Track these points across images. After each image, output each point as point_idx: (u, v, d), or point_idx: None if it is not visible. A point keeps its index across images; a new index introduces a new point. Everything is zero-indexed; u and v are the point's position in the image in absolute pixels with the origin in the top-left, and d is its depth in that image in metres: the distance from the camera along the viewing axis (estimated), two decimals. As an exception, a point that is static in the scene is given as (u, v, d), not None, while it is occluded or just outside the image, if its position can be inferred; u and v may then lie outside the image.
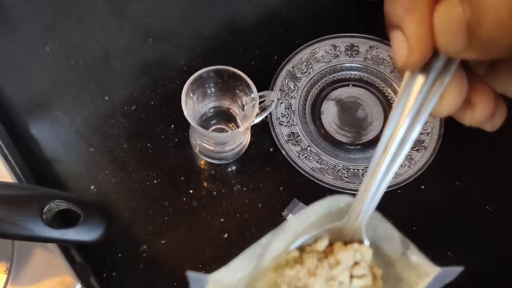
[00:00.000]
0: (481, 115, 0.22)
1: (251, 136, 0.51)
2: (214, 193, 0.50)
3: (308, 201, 0.45)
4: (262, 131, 0.51)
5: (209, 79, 0.46)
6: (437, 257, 0.49)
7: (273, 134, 0.51)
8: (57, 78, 0.55)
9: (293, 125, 0.51)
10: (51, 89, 0.55)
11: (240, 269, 0.23)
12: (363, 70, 0.55)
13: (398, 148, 0.21)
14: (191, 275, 0.22)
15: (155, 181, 0.50)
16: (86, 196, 0.47)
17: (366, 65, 0.55)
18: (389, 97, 0.54)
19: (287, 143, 0.50)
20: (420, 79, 0.20)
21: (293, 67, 0.54)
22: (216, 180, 0.50)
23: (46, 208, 0.27)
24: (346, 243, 0.23)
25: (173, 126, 0.52)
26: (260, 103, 0.46)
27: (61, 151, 0.52)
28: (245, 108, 0.46)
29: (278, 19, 0.58)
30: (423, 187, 0.50)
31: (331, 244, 0.23)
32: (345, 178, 0.49)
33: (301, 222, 0.24)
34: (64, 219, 0.29)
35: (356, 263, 0.22)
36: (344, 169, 0.50)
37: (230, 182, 0.51)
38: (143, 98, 0.54)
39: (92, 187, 0.49)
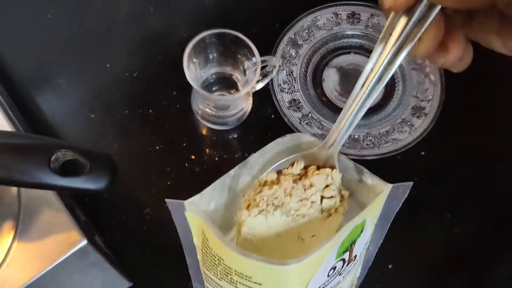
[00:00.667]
0: (453, 58, 0.24)
1: (253, 103, 0.51)
2: (216, 158, 0.50)
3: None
4: (263, 98, 0.52)
5: (211, 44, 0.46)
6: (436, 220, 0.50)
7: (275, 101, 0.51)
8: (59, 46, 0.55)
9: (295, 91, 0.52)
10: (53, 58, 0.55)
11: (213, 198, 0.25)
12: (364, 38, 0.55)
13: (375, 84, 0.23)
14: (170, 201, 0.24)
15: (157, 147, 0.50)
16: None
17: (367, 33, 0.55)
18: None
19: (289, 109, 0.51)
20: (403, 20, 0.22)
21: (294, 35, 0.54)
22: (218, 146, 0.51)
23: (53, 157, 0.27)
24: (319, 167, 0.25)
25: (175, 92, 0.52)
26: (262, 68, 0.46)
27: (63, 119, 0.52)
28: (247, 73, 0.47)
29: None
30: (423, 153, 0.51)
31: (305, 168, 0.25)
32: (345, 144, 0.50)
33: (263, 155, 0.27)
34: (69, 172, 0.29)
35: (327, 186, 0.24)
36: (344, 135, 0.50)
37: (232, 148, 0.51)
38: (144, 65, 0.54)
39: (95, 152, 0.50)
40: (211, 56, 0.47)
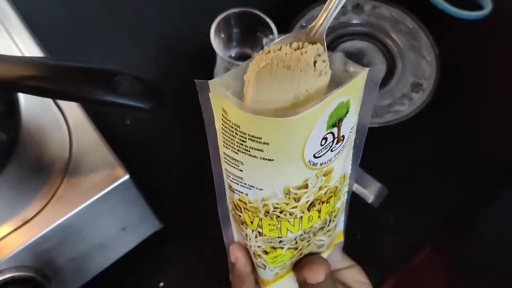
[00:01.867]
0: None
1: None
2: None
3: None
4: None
5: (235, 20, 0.52)
6: (427, 187, 0.55)
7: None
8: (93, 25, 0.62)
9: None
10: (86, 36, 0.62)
11: (230, 85, 0.29)
12: (367, 26, 0.62)
13: None
14: (198, 81, 0.30)
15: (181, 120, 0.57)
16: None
17: (369, 22, 0.62)
18: (389, 48, 0.60)
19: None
20: None
21: (306, 22, 0.61)
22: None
23: (114, 79, 0.33)
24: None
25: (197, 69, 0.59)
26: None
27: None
28: (264, 44, 0.53)
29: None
30: (420, 123, 0.57)
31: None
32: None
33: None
34: (126, 94, 0.35)
35: (318, 55, 0.29)
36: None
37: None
38: (170, 46, 0.61)
39: (128, 121, 0.56)
40: (234, 34, 0.54)
